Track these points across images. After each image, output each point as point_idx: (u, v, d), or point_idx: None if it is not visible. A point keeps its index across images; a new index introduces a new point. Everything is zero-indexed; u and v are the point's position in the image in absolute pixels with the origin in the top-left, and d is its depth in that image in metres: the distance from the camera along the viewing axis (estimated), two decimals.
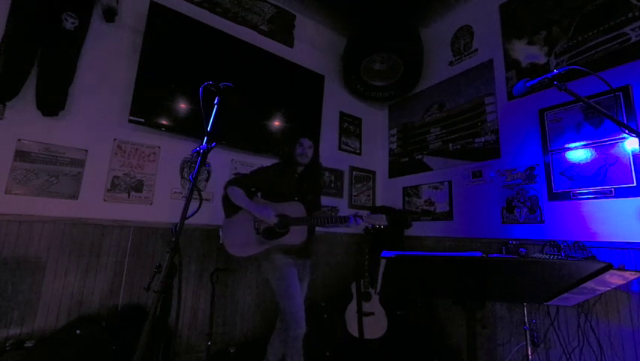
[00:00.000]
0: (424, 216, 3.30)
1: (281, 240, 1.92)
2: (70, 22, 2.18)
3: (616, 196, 2.06)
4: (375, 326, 2.64)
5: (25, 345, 1.78)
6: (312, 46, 3.60)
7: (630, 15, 2.14)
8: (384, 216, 1.79)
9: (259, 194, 2.13)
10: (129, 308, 2.19)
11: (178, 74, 2.53)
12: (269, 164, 2.23)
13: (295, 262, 1.99)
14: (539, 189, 2.44)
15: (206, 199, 2.63)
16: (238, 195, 1.98)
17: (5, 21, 2.00)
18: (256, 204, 1.98)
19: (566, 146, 2.32)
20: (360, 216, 1.90)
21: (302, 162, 2.09)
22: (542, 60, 2.57)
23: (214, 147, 1.14)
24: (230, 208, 2.02)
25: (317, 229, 3.30)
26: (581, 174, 2.23)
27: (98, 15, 2.33)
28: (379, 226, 1.82)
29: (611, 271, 0.90)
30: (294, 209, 1.96)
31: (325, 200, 3.41)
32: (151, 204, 2.43)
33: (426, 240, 3.21)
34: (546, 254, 2.06)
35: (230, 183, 2.04)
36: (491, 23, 2.99)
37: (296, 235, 1.91)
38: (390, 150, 3.88)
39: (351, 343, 2.62)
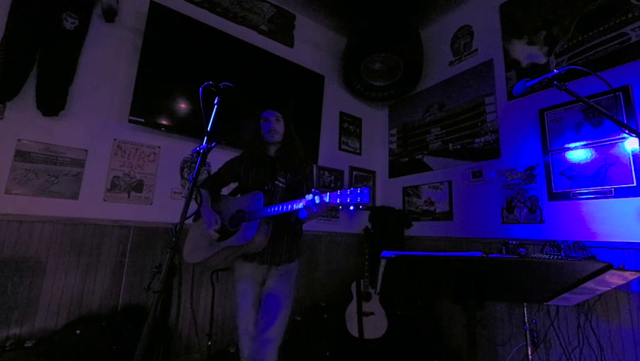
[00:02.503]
0: (424, 216, 3.30)
1: (227, 241, 1.54)
2: (70, 22, 2.18)
3: (616, 196, 2.06)
4: (375, 326, 2.64)
5: (25, 345, 1.78)
6: (312, 46, 3.60)
7: (630, 15, 2.14)
8: (365, 189, 1.20)
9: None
10: (129, 308, 2.19)
11: (178, 74, 2.53)
12: None
13: (255, 271, 1.63)
14: (539, 189, 2.44)
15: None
16: (203, 198, 1.68)
17: (5, 21, 2.00)
18: (208, 208, 1.67)
19: (566, 146, 2.32)
20: (321, 195, 1.30)
21: (273, 139, 1.70)
22: (542, 60, 2.57)
23: (214, 147, 1.14)
24: (195, 213, 1.76)
25: (313, 227, 3.36)
26: (581, 174, 2.23)
27: (97, 15, 2.34)
28: (360, 206, 1.22)
29: (611, 271, 0.90)
30: (251, 201, 1.57)
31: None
32: (151, 204, 2.43)
33: (426, 240, 3.21)
34: (546, 254, 2.05)
35: (200, 185, 1.77)
36: (491, 23, 2.99)
37: (244, 233, 1.49)
38: (390, 150, 3.88)
39: (351, 343, 2.62)
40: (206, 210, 1.65)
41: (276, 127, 1.70)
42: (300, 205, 1.33)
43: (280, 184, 1.67)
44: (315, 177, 3.30)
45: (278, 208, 1.43)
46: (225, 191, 1.89)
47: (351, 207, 1.22)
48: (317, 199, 1.28)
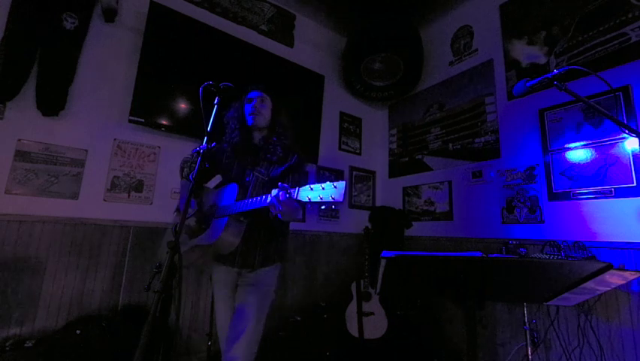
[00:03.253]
0: (424, 216, 3.30)
1: (196, 239, 1.40)
2: (70, 22, 2.18)
3: (616, 196, 2.06)
4: (375, 326, 2.64)
5: (25, 345, 1.78)
6: (312, 46, 3.60)
7: (630, 15, 2.14)
8: (340, 184, 1.01)
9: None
10: (129, 308, 2.19)
11: (178, 74, 2.53)
12: None
13: (227, 276, 1.47)
14: (539, 189, 2.44)
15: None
16: (181, 189, 1.56)
17: (5, 21, 2.00)
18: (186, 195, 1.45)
19: (566, 146, 2.32)
20: (287, 190, 1.09)
21: (255, 123, 1.48)
22: (542, 60, 2.57)
23: (214, 147, 1.14)
24: (178, 208, 1.64)
25: (313, 227, 3.35)
26: (581, 174, 2.23)
27: (98, 15, 2.34)
28: (332, 206, 1.04)
29: (611, 271, 0.90)
30: (225, 194, 1.40)
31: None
32: (151, 204, 2.43)
33: (426, 240, 3.21)
34: (546, 254, 2.05)
35: (183, 177, 1.61)
36: (491, 23, 2.99)
37: (213, 231, 1.34)
38: (390, 150, 3.88)
39: (351, 343, 2.62)
40: (185, 196, 1.45)
41: (261, 109, 1.48)
42: (268, 200, 1.14)
43: (261, 176, 1.46)
44: (312, 174, 3.29)
45: (243, 204, 1.27)
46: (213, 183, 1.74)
47: (323, 207, 1.05)
48: (281, 195, 1.08)
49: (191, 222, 1.46)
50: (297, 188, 1.08)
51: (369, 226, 3.32)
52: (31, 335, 1.90)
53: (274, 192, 1.12)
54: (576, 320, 2.08)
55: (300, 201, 1.05)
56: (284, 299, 2.92)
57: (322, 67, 3.56)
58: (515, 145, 2.65)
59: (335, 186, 1.00)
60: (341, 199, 0.99)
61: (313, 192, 1.03)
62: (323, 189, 1.01)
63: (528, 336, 1.93)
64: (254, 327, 1.37)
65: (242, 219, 1.34)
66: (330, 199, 0.99)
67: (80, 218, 2.14)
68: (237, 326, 1.36)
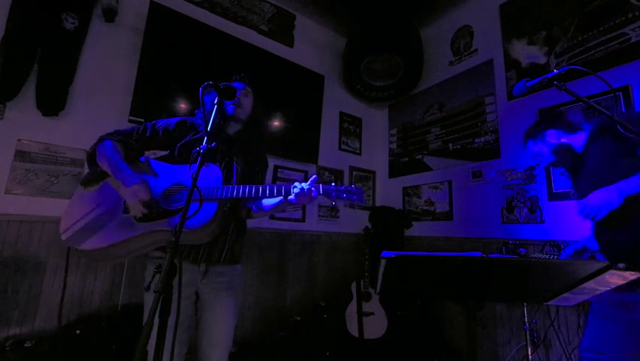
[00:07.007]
0: (424, 216, 3.30)
1: (162, 222, 1.17)
2: (70, 22, 2.18)
3: None
4: (375, 326, 2.64)
5: (25, 345, 1.78)
6: (312, 46, 3.60)
7: (630, 15, 2.14)
8: (359, 189, 1.19)
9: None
10: (129, 308, 2.19)
11: (178, 74, 2.53)
12: (272, 164, 2.10)
13: (185, 275, 1.18)
14: (539, 189, 2.44)
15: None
16: (107, 151, 1.24)
17: (5, 21, 2.00)
18: (126, 168, 1.20)
19: None
20: (317, 187, 1.17)
21: (236, 115, 1.39)
22: (542, 60, 2.57)
23: (214, 147, 1.14)
24: (90, 174, 1.37)
25: (313, 227, 3.35)
26: None
27: (97, 15, 2.34)
28: (353, 205, 1.11)
29: (611, 271, 0.90)
30: (207, 175, 1.25)
31: (325, 199, 3.41)
32: None
33: (426, 240, 3.21)
34: (546, 254, 2.05)
35: (105, 136, 1.31)
36: (491, 23, 2.99)
37: (198, 215, 1.02)
38: (390, 150, 3.88)
39: (351, 343, 2.62)
40: (125, 171, 1.18)
41: (242, 101, 1.40)
42: (313, 191, 1.16)
43: (239, 168, 1.39)
44: (312, 174, 3.30)
45: (265, 189, 1.16)
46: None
47: (343, 204, 1.16)
48: (321, 190, 1.17)
49: (146, 199, 1.19)
50: (320, 185, 1.19)
51: (369, 226, 3.32)
52: (31, 335, 1.90)
53: (305, 185, 1.18)
54: (576, 320, 2.08)
55: (339, 198, 1.20)
56: (284, 299, 2.92)
57: (322, 67, 3.56)
58: (515, 145, 2.65)
59: (351, 191, 1.18)
60: (363, 202, 1.31)
61: (338, 191, 1.19)
62: (338, 189, 1.18)
63: (528, 336, 1.93)
64: (231, 340, 1.34)
65: (228, 205, 1.28)
66: (356, 197, 1.19)
67: None
68: (219, 345, 1.30)
